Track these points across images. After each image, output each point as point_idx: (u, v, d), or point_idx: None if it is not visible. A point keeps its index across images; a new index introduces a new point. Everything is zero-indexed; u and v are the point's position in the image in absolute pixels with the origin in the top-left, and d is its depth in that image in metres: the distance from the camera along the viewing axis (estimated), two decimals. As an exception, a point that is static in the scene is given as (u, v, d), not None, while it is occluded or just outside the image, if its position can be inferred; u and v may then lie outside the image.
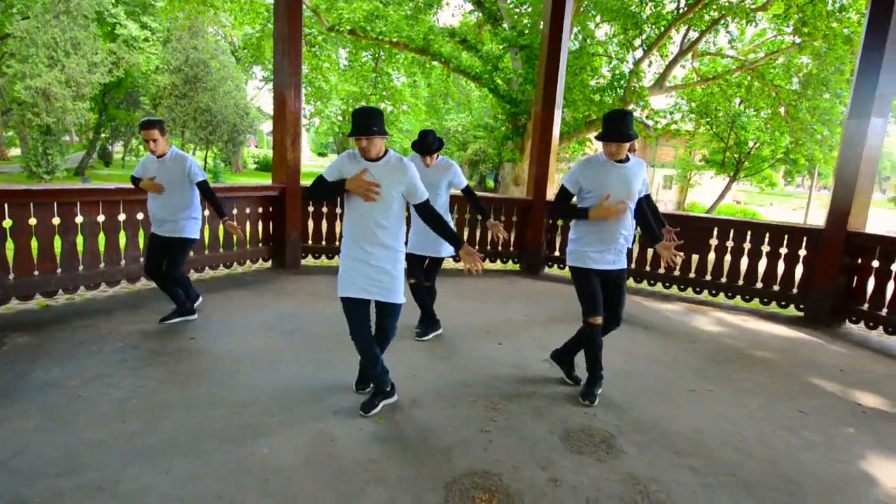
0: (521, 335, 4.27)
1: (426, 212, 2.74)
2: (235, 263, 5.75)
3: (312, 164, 52.89)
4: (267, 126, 40.77)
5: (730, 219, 6.10)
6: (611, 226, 2.99)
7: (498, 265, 6.99)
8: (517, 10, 15.60)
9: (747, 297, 5.73)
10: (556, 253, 6.73)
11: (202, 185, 3.91)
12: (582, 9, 14.64)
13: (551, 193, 6.67)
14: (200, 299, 4.31)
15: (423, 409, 2.92)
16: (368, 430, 2.66)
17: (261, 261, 5.99)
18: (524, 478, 2.33)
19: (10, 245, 3.96)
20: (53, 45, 17.75)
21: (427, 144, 3.69)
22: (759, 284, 5.63)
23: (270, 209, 5.89)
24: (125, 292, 4.76)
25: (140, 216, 4.73)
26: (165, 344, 3.62)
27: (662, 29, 14.68)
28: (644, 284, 6.27)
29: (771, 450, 2.72)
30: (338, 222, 6.37)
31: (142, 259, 4.81)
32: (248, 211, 5.69)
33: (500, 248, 6.81)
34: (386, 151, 2.66)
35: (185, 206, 3.90)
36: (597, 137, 2.97)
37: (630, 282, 6.35)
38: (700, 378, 3.61)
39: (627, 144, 2.90)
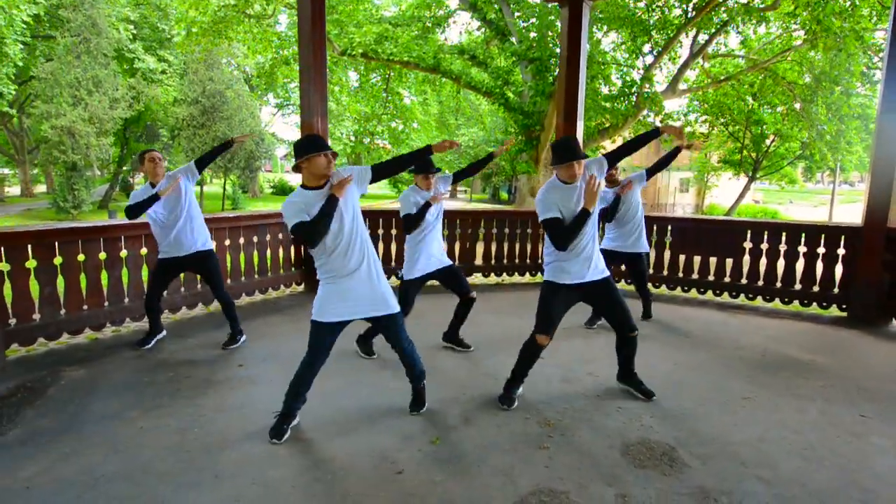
0: (563, 348, 4.24)
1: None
2: (270, 289, 5.82)
3: (327, 185, 53.46)
4: (280, 150, 41.47)
5: (764, 221, 6.02)
6: (583, 235, 3.00)
7: (527, 278, 6.98)
8: (525, 24, 15.76)
9: (786, 300, 5.63)
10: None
11: (200, 164, 4.04)
12: (590, 17, 14.72)
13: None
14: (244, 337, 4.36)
15: (476, 428, 2.91)
16: (427, 451, 2.66)
17: (293, 285, 6.06)
18: (592, 495, 2.31)
19: (60, 282, 4.08)
20: (76, 84, 18.38)
21: (430, 161, 3.61)
22: (798, 286, 5.54)
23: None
24: (168, 322, 4.84)
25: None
26: (216, 372, 3.67)
27: (672, 34, 14.69)
28: (678, 291, 6.20)
29: (840, 457, 2.66)
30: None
31: (182, 289, 4.92)
32: (280, 236, 5.79)
33: (516, 261, 6.80)
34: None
35: (199, 216, 4.04)
36: (559, 163, 2.93)
37: (662, 289, 6.30)
38: (752, 385, 3.55)
39: (584, 162, 2.95)
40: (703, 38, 15.62)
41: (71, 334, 4.21)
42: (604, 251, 4.25)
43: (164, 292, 4.33)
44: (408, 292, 3.78)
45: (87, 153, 18.61)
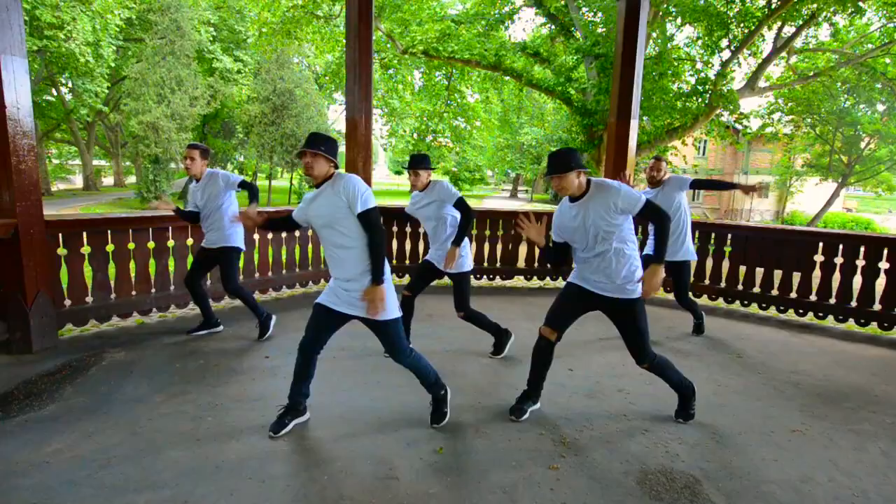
0: (595, 361, 4.01)
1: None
2: (311, 282, 5.94)
3: (389, 181, 54.64)
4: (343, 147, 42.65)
5: (838, 232, 5.43)
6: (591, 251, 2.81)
7: (560, 283, 6.70)
8: (591, 20, 15.22)
9: (862, 321, 5.04)
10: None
11: (244, 184, 4.07)
12: (661, 12, 13.98)
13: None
14: (274, 319, 4.45)
15: (486, 439, 2.78)
16: (429, 460, 2.57)
17: (334, 280, 6.15)
18: (595, 525, 2.13)
19: (111, 268, 4.34)
20: (161, 83, 19.76)
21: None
22: (878, 306, 4.95)
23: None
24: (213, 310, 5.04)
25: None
26: (242, 361, 3.76)
27: (753, 27, 13.65)
28: (736, 305, 5.73)
29: (898, 509, 2.30)
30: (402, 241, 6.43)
31: (225, 279, 5.10)
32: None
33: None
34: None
35: (224, 216, 4.14)
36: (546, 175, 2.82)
37: (719, 301, 5.84)
38: (806, 416, 3.17)
39: (570, 176, 2.68)
40: (788, 30, 14.42)
41: (120, 317, 4.47)
42: (645, 258, 3.98)
43: (205, 280, 4.49)
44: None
45: (168, 147, 20.00)
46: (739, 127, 15.95)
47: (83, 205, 22.88)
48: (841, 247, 5.15)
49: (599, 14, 15.18)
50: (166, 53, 19.89)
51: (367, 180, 5.99)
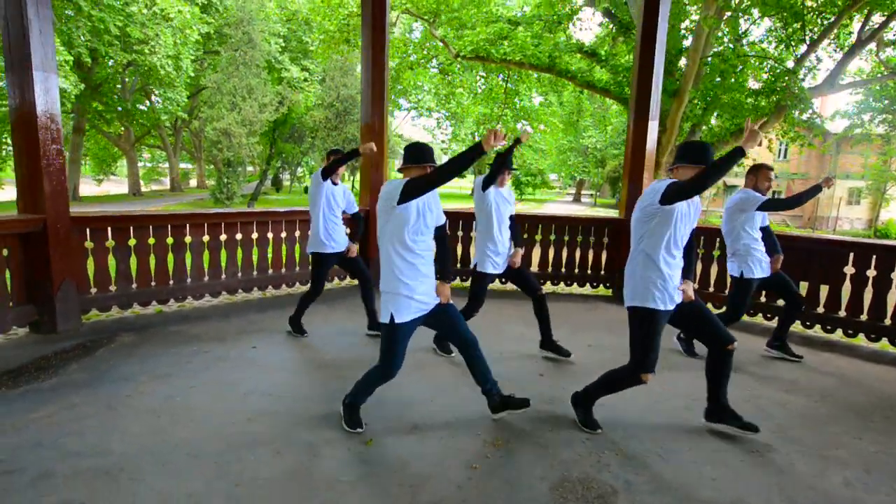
0: (571, 368, 3.93)
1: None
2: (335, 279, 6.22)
3: (451, 184, 55.06)
4: (409, 151, 43.52)
5: (872, 242, 4.94)
6: None
7: (587, 289, 6.55)
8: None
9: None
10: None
11: (326, 172, 4.19)
12: (720, 5, 13.19)
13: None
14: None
15: (420, 436, 2.84)
16: (357, 450, 2.68)
17: (347, 278, 6.40)
18: (484, 525, 2.14)
19: (133, 260, 4.81)
20: (234, 92, 21.23)
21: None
22: (913, 325, 4.46)
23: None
24: (225, 303, 5.44)
25: (239, 236, 5.40)
26: (229, 351, 4.05)
27: (832, 18, 12.53)
28: (759, 318, 5.36)
29: (827, 540, 2.12)
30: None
31: (239, 274, 5.48)
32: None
33: (588, 270, 6.38)
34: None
35: (316, 220, 4.30)
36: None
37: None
38: (775, 437, 2.95)
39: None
40: (876, 21, 13.09)
41: (141, 305, 4.93)
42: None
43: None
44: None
45: (238, 151, 21.46)
46: (813, 127, 14.69)
47: (166, 204, 25.06)
48: (874, 258, 4.69)
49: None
50: (239, 64, 21.37)
51: (380, 182, 6.20)
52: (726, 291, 5.45)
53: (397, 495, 2.32)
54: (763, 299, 5.28)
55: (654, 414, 3.18)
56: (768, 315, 5.27)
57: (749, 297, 4.11)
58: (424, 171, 2.71)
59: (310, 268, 4.63)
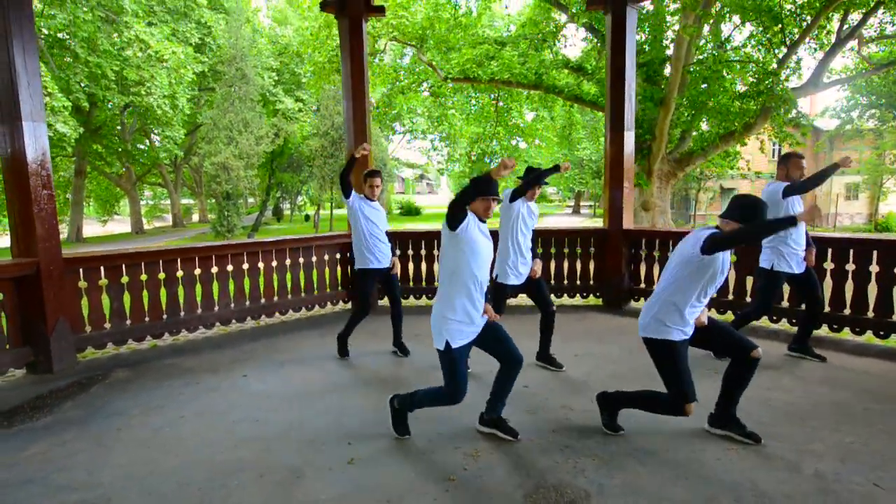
0: (557, 378, 3.99)
1: None
2: (317, 305, 6.31)
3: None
4: (406, 172, 44.05)
5: (848, 237, 5.01)
6: None
7: (577, 300, 6.60)
8: (637, 28, 14.88)
9: (882, 333, 4.59)
10: (642, 285, 6.16)
11: (344, 188, 4.38)
12: (699, 15, 13.47)
13: (628, 221, 6.18)
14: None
15: (401, 451, 2.91)
16: (339, 470, 2.74)
17: (341, 303, 6.49)
18: (457, 535, 2.19)
19: (126, 297, 4.92)
20: (230, 126, 21.66)
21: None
22: (896, 316, 4.50)
23: (347, 254, 6.40)
24: (218, 334, 5.53)
25: (230, 268, 5.52)
26: (221, 381, 4.13)
27: (811, 18, 12.75)
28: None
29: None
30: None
31: (231, 305, 5.58)
32: (325, 257, 6.27)
33: (578, 281, 6.44)
34: None
35: (358, 238, 4.48)
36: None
37: (728, 315, 5.51)
38: (760, 433, 2.99)
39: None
40: (855, 19, 13.29)
41: (135, 341, 5.03)
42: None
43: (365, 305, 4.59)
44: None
45: (236, 184, 21.81)
46: (800, 126, 14.82)
47: (168, 239, 25.35)
48: (852, 252, 4.75)
49: (645, 23, 14.85)
50: (234, 99, 21.86)
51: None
52: (747, 297, 5.40)
53: (373, 510, 2.38)
54: (749, 299, 5.32)
55: (636, 416, 3.21)
56: (774, 318, 5.26)
57: (777, 290, 4.14)
58: (489, 204, 2.80)
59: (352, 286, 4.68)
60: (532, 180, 3.84)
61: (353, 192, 4.39)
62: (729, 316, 5.48)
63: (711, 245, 2.55)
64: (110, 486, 2.64)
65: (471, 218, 2.76)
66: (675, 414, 2.79)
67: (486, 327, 2.93)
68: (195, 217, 43.15)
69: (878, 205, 27.44)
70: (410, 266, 6.52)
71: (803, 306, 4.47)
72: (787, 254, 4.05)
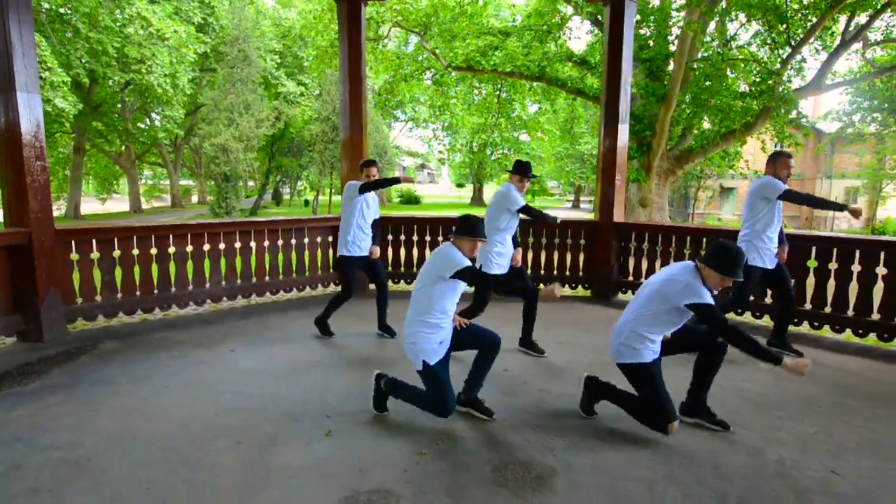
0: (538, 363, 4.07)
1: None
2: (308, 287, 6.38)
3: (452, 194, 55.44)
4: (407, 161, 43.96)
5: (831, 236, 5.06)
6: None
7: (566, 291, 6.67)
8: (637, 22, 14.81)
9: (861, 332, 4.68)
10: (630, 278, 6.23)
11: (364, 188, 4.51)
12: (702, 11, 13.41)
13: (619, 214, 6.24)
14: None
15: (377, 427, 2.98)
16: (315, 441, 2.81)
17: (332, 285, 6.56)
18: (423, 503, 2.27)
19: (118, 271, 4.98)
20: (231, 108, 21.59)
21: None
22: (877, 316, 4.58)
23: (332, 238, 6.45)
24: (208, 311, 5.59)
25: (222, 246, 5.58)
26: (209, 355, 4.20)
27: (814, 20, 12.71)
28: (731, 315, 5.46)
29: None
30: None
31: (223, 283, 5.65)
32: (318, 239, 6.32)
33: (567, 272, 6.51)
34: None
35: (345, 224, 4.60)
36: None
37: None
38: (731, 419, 3.07)
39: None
40: (859, 20, 13.25)
41: (126, 314, 5.10)
42: None
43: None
44: None
45: (235, 166, 21.79)
46: (800, 127, 14.81)
47: (165, 219, 25.39)
48: (835, 251, 4.81)
49: (651, 16, 14.76)
50: (236, 81, 21.78)
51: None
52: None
53: (347, 478, 2.46)
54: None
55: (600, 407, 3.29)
56: (739, 311, 5.38)
57: (752, 284, 4.21)
58: (475, 244, 2.99)
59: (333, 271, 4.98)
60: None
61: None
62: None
63: (696, 312, 2.70)
64: (93, 447, 2.72)
65: None
66: (658, 430, 2.83)
67: (456, 333, 3.09)
68: (194, 198, 43.08)
69: (877, 210, 27.46)
70: (402, 251, 6.59)
71: (776, 302, 4.53)
72: (761, 249, 4.12)
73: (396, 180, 4.51)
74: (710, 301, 2.68)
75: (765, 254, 4.14)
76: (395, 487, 2.38)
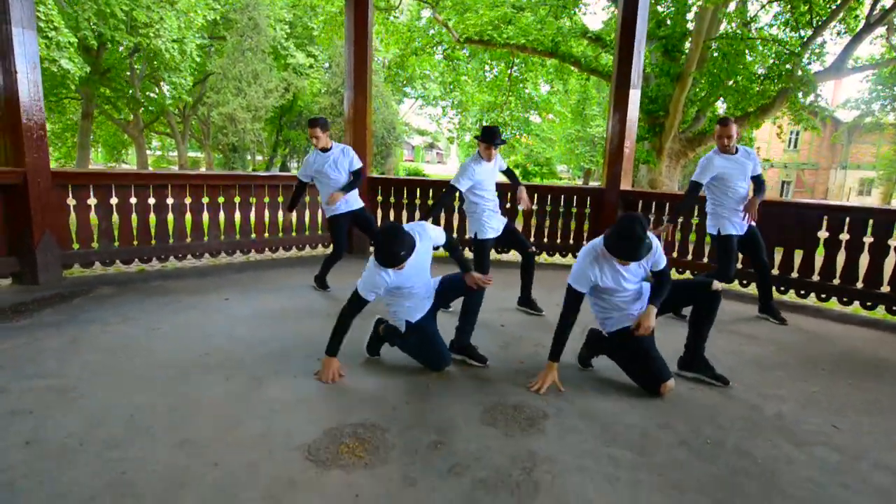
0: (535, 321, 4.00)
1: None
2: (308, 246, 6.31)
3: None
4: (416, 140, 43.58)
5: (842, 205, 4.92)
6: None
7: (570, 259, 6.57)
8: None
9: (869, 304, 4.56)
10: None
11: (358, 172, 4.58)
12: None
13: (626, 182, 6.10)
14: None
15: (369, 370, 2.93)
16: (302, 377, 2.76)
17: (332, 246, 6.48)
18: (409, 436, 2.22)
19: (115, 219, 4.93)
20: (239, 77, 21.36)
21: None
22: (886, 288, 4.45)
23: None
24: (206, 264, 5.55)
25: (221, 199, 5.50)
26: (203, 302, 4.15)
27: (840, 1, 12.30)
28: (735, 285, 5.35)
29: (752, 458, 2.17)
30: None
31: (221, 237, 5.59)
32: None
33: (571, 241, 6.40)
34: None
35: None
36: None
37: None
38: (729, 376, 2.98)
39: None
40: (886, 2, 12.82)
41: (123, 263, 5.06)
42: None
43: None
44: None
45: (243, 136, 21.63)
46: (818, 111, 14.45)
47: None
48: (847, 221, 4.66)
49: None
50: (245, 49, 21.49)
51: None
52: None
53: (336, 410, 2.41)
54: (739, 266, 5.27)
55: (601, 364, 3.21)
56: (744, 282, 5.26)
57: (733, 251, 4.11)
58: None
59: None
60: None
61: (314, 155, 4.50)
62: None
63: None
64: (77, 377, 2.69)
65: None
66: (651, 392, 2.73)
67: (441, 285, 3.03)
68: (202, 170, 43.07)
69: (892, 201, 26.97)
70: (405, 214, 6.50)
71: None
72: (728, 217, 4.02)
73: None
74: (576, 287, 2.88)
75: (733, 220, 4.03)
76: (382, 422, 2.32)
